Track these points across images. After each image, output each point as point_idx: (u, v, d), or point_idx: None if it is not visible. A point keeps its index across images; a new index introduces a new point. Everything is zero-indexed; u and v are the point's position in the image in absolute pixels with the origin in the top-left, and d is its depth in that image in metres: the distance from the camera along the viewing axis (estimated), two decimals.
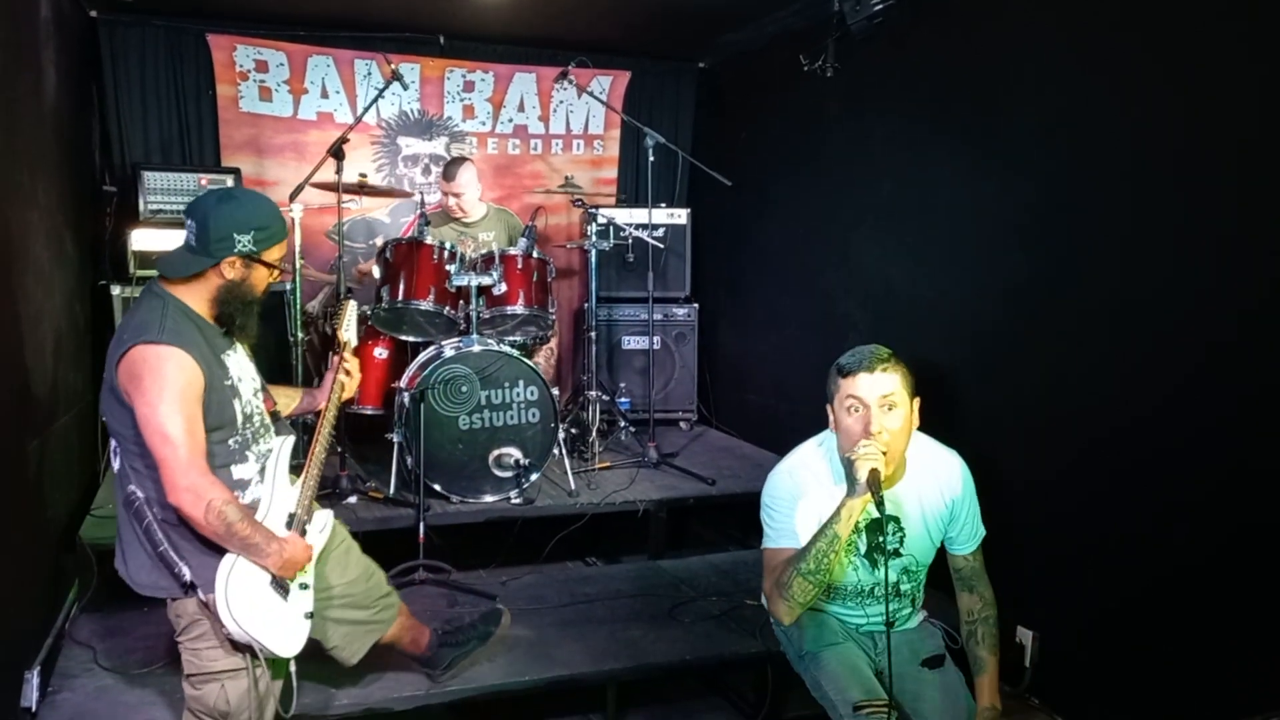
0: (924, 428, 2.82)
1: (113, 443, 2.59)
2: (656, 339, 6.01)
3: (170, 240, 4.76)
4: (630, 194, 6.61)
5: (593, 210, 5.21)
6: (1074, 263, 3.49)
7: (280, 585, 2.58)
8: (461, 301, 4.68)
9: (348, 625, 2.94)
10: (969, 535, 2.86)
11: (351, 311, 3.14)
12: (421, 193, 5.65)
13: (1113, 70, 3.34)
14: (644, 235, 5.43)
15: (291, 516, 2.66)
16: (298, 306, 4.64)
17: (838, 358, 2.75)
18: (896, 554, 2.82)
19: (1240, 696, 2.81)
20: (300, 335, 4.71)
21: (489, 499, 4.46)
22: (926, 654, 2.85)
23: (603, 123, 6.65)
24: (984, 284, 3.96)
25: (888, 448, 2.56)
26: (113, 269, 4.97)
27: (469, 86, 6.30)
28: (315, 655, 2.88)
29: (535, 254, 4.81)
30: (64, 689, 3.16)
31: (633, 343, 6.20)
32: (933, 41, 4.28)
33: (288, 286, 4.71)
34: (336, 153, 4.51)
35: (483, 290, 4.63)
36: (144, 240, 4.86)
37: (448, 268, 4.60)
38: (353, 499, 4.40)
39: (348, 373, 3.03)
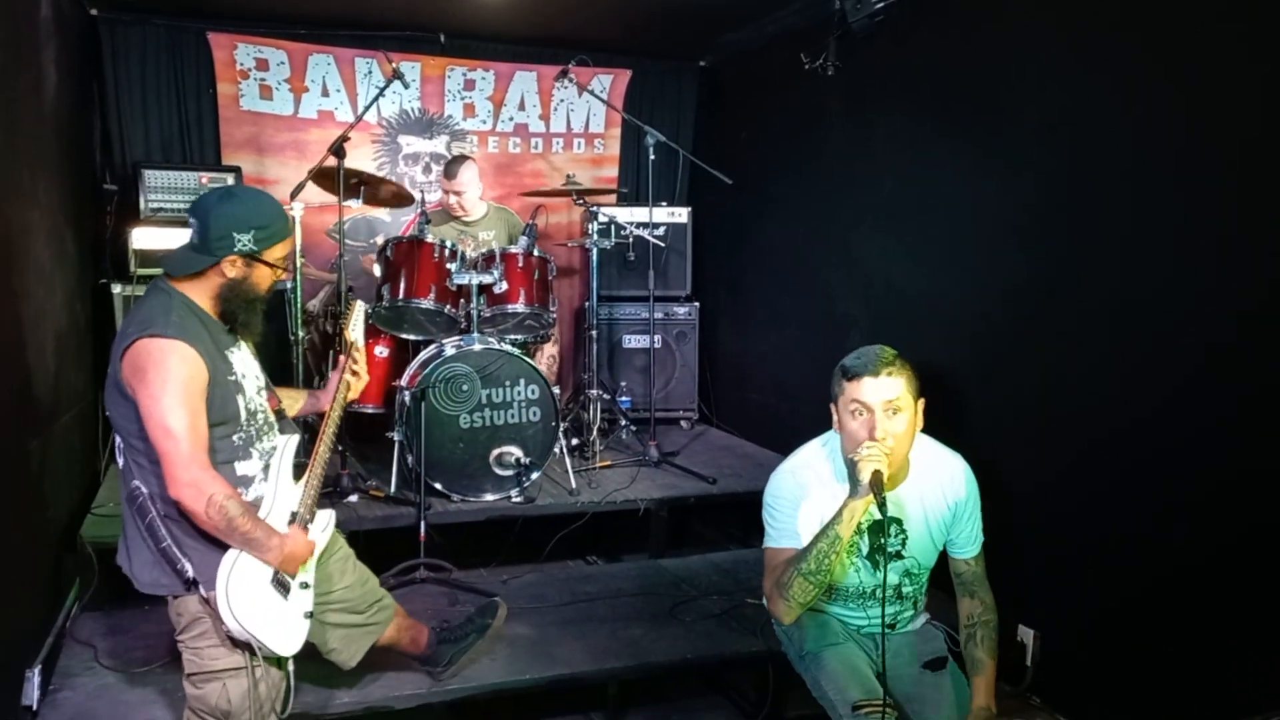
0: (925, 427, 2.82)
1: (116, 439, 2.59)
2: (657, 338, 6.01)
3: (171, 239, 4.78)
4: (631, 193, 6.60)
5: (594, 209, 5.20)
6: (1074, 262, 3.48)
7: (281, 584, 2.58)
8: (462, 300, 4.68)
9: (345, 628, 2.94)
10: (971, 539, 2.86)
11: (359, 312, 3.14)
12: (422, 191, 5.65)
13: (1113, 70, 3.34)
14: (645, 234, 5.43)
15: (294, 514, 2.66)
16: (298, 305, 4.64)
17: (841, 358, 2.75)
18: (898, 556, 2.82)
19: (1240, 697, 2.81)
20: (301, 334, 4.71)
21: (490, 498, 4.47)
22: (928, 656, 2.86)
23: (603, 121, 6.65)
24: (984, 284, 3.96)
25: (891, 450, 2.56)
26: (114, 268, 4.97)
27: (470, 85, 6.30)
28: (315, 654, 2.88)
29: (536, 252, 4.81)
30: (65, 688, 3.16)
31: (633, 341, 6.20)
32: (934, 40, 4.28)
33: (288, 285, 4.71)
34: (337, 151, 4.51)
35: (483, 289, 4.63)
36: (145, 239, 4.86)
37: (448, 266, 4.60)
38: (354, 497, 4.40)
39: (355, 373, 3.01)
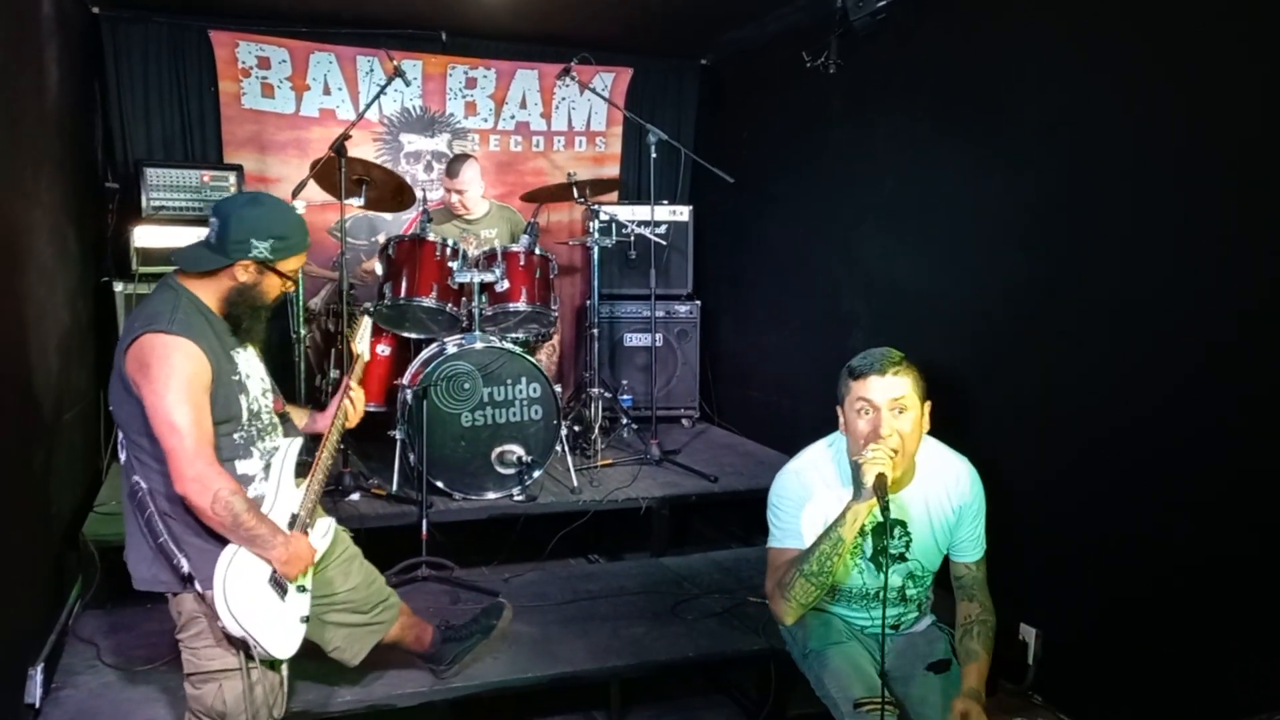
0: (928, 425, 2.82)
1: (119, 434, 2.60)
2: (659, 336, 6.01)
3: (173, 237, 4.79)
4: (632, 191, 6.60)
5: (595, 207, 5.20)
6: (1074, 262, 3.49)
7: (279, 584, 2.58)
8: (464, 298, 4.68)
9: (347, 628, 2.94)
10: (973, 544, 2.85)
11: (366, 326, 3.14)
12: (423, 189, 5.65)
13: (1114, 69, 3.34)
14: (646, 232, 5.43)
15: (294, 517, 2.66)
16: (300, 304, 4.64)
17: (843, 356, 2.75)
18: (902, 558, 2.82)
19: (1240, 697, 2.81)
20: (303, 332, 4.71)
21: (491, 496, 4.47)
22: (932, 658, 2.85)
23: (605, 120, 6.65)
24: (985, 283, 3.96)
25: (897, 451, 2.56)
26: (115, 266, 4.98)
27: (471, 83, 6.30)
28: (317, 652, 2.88)
29: (537, 251, 4.81)
30: (67, 686, 3.16)
31: (635, 340, 6.20)
32: (935, 39, 4.28)
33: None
34: (339, 149, 4.51)
35: (485, 287, 4.63)
36: (146, 237, 4.87)
37: (450, 265, 4.60)
38: (355, 496, 4.40)
39: (352, 401, 2.98)
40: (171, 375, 2.42)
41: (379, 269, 4.78)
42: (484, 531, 4.45)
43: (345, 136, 4.52)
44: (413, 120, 6.23)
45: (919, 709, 2.70)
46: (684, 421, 6.34)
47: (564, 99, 6.52)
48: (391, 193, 4.89)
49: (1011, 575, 3.09)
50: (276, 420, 2.81)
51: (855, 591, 2.86)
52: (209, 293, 2.63)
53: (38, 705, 3.01)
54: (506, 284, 4.66)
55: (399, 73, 4.93)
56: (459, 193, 5.41)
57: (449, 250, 4.64)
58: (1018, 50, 3.81)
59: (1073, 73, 3.51)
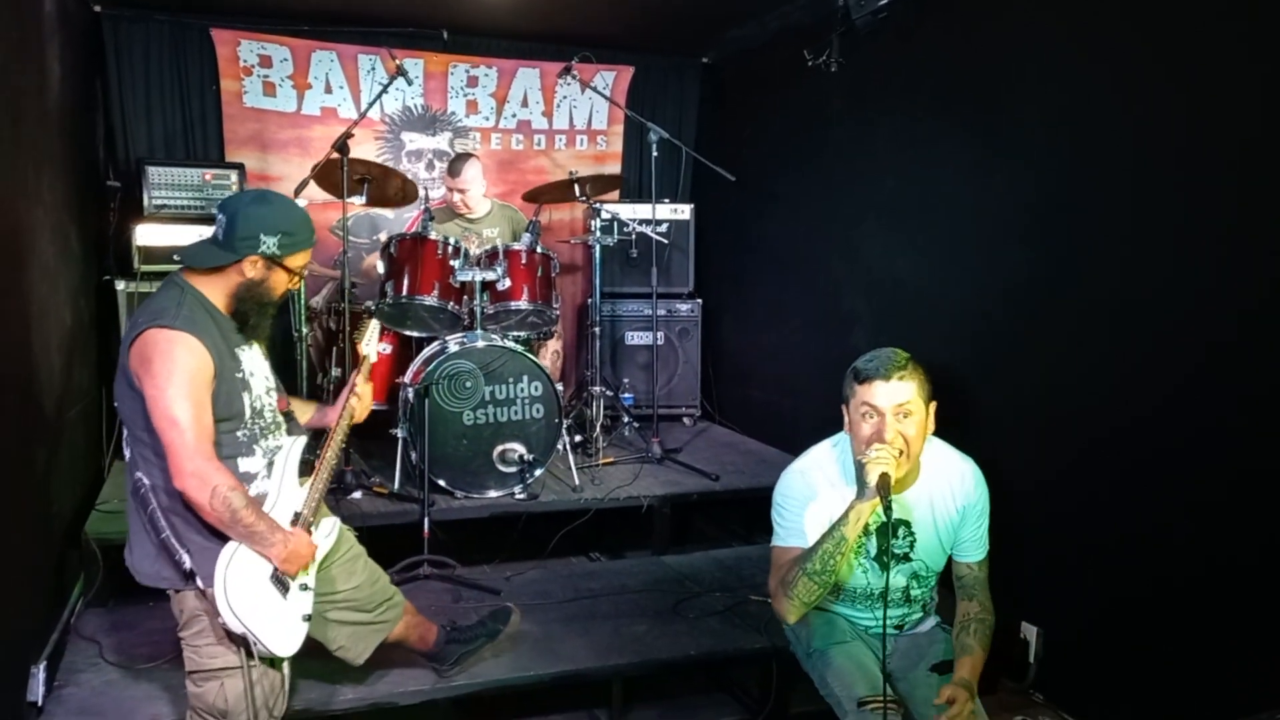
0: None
1: (124, 431, 2.60)
2: (660, 334, 6.01)
3: (175, 235, 4.79)
4: (634, 189, 6.60)
5: (596, 205, 5.20)
6: (1075, 261, 3.50)
7: (280, 582, 2.58)
8: (465, 297, 4.69)
9: (351, 626, 2.94)
10: (976, 544, 2.85)
11: (373, 329, 3.15)
12: (425, 188, 5.65)
13: (1114, 69, 3.35)
14: (648, 230, 5.43)
15: (297, 515, 2.66)
16: (302, 302, 4.65)
17: (844, 354, 2.75)
18: (906, 559, 2.82)
19: (1240, 695, 2.82)
20: (305, 330, 4.71)
21: (493, 494, 4.47)
22: (936, 659, 2.85)
23: (606, 118, 6.65)
24: (985, 282, 3.97)
25: (901, 453, 2.56)
26: (117, 264, 4.98)
27: (472, 82, 6.30)
28: (320, 650, 2.89)
29: (539, 249, 4.81)
30: (70, 684, 3.16)
31: (636, 338, 6.20)
32: (936, 38, 4.28)
33: None
34: (341, 148, 4.52)
35: (487, 286, 4.63)
36: (148, 235, 4.87)
37: (452, 263, 4.61)
38: (357, 494, 4.41)
39: (359, 396, 3.00)
40: (174, 370, 2.42)
41: (381, 267, 4.78)
42: (486, 530, 4.46)
43: (347, 135, 4.52)
44: (414, 119, 6.23)
45: (921, 709, 2.70)
46: (685, 420, 6.34)
47: (565, 97, 6.52)
48: (394, 189, 4.90)
49: (1012, 574, 3.09)
50: (280, 419, 2.81)
51: (859, 591, 2.87)
52: (215, 290, 2.64)
53: (40, 703, 3.01)
54: (508, 282, 4.66)
55: (400, 71, 4.94)
56: (461, 191, 5.41)
57: (451, 249, 4.64)
58: (1018, 50, 3.81)
59: (1073, 73, 3.52)
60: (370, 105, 5.35)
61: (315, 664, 2.99)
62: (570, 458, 4.71)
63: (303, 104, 5.92)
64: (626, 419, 5.67)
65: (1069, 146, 3.53)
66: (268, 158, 5.83)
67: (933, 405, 2.69)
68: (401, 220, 6.12)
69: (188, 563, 2.51)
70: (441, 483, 4.37)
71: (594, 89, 6.05)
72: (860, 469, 2.55)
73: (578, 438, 5.22)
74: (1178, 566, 3.08)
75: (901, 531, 2.78)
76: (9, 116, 3.18)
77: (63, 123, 4.26)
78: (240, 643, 2.54)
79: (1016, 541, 3.09)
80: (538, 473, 4.50)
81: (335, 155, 4.50)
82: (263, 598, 2.53)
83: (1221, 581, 2.94)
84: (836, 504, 2.69)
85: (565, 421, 4.65)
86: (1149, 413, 3.19)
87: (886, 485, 2.47)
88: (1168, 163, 3.13)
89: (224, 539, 2.51)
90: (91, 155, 5.25)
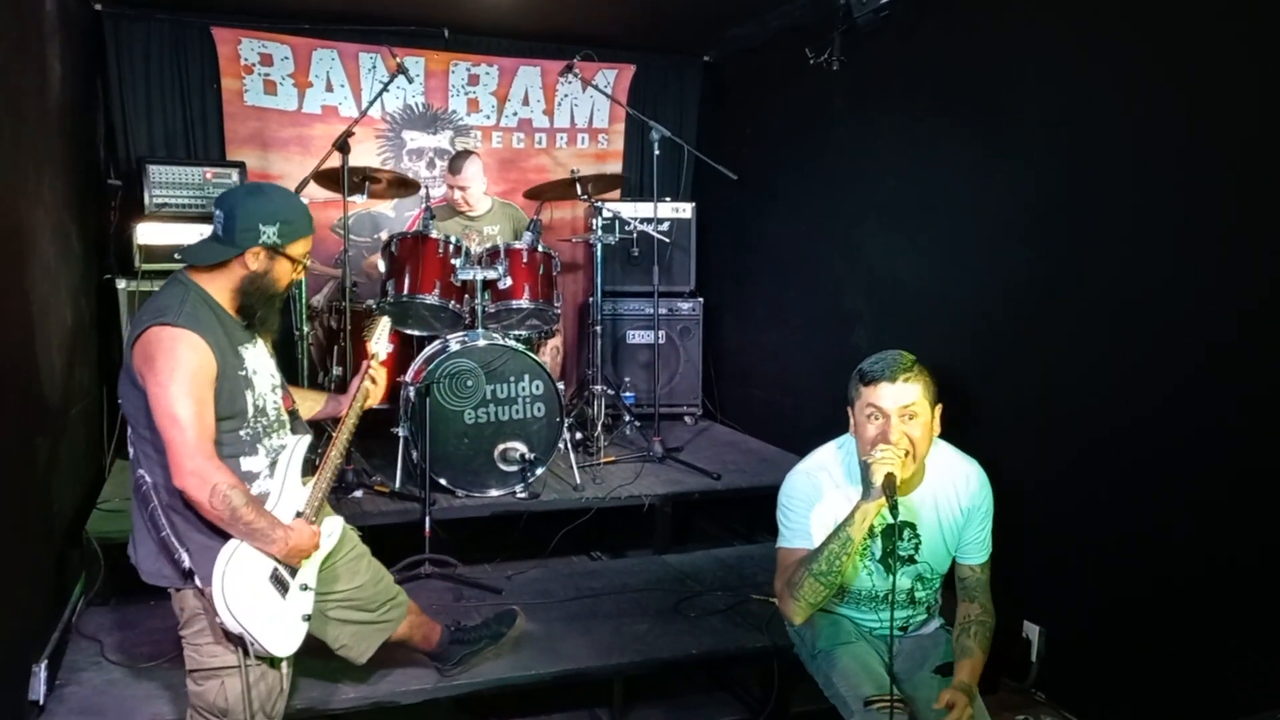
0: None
1: (129, 429, 2.60)
2: (661, 333, 6.01)
3: (176, 234, 4.78)
4: (635, 188, 6.59)
5: (598, 204, 5.20)
6: (1075, 261, 3.50)
7: (280, 582, 2.58)
8: (466, 295, 4.69)
9: (354, 625, 2.94)
10: (979, 546, 2.85)
11: (383, 326, 3.15)
12: (426, 186, 5.65)
13: (1114, 69, 3.35)
14: (649, 229, 5.43)
15: (299, 514, 2.66)
16: (303, 301, 4.65)
17: (845, 353, 2.76)
18: (911, 560, 2.82)
19: (1240, 695, 2.83)
20: (305, 329, 4.71)
21: (494, 493, 4.47)
22: (940, 661, 2.85)
23: (607, 117, 6.64)
24: (985, 282, 3.98)
25: (907, 454, 2.56)
26: (118, 263, 4.97)
27: (473, 80, 6.30)
28: (321, 649, 2.89)
29: (540, 248, 4.81)
30: (71, 682, 3.17)
31: (637, 337, 6.20)
32: (937, 37, 4.28)
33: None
34: (342, 146, 4.51)
35: (488, 284, 4.63)
36: (149, 234, 4.86)
37: (453, 262, 4.61)
38: (358, 493, 4.41)
39: (374, 380, 3.01)
40: (176, 368, 2.42)
41: (382, 266, 4.78)
42: (487, 529, 4.46)
43: (348, 133, 4.52)
44: (415, 117, 6.23)
45: (925, 711, 2.70)
46: (687, 419, 6.34)
47: (566, 96, 6.52)
48: (396, 186, 4.90)
49: (1013, 573, 3.09)
50: (285, 418, 2.81)
51: (864, 593, 2.86)
52: (220, 286, 2.64)
53: (42, 702, 3.01)
54: (509, 281, 4.66)
55: (401, 69, 4.93)
56: (462, 189, 5.41)
57: (452, 247, 4.64)
58: (1018, 50, 3.81)
59: (1073, 72, 3.52)
60: (371, 103, 5.35)
61: (316, 662, 3.00)
62: (571, 456, 4.72)
63: (304, 102, 5.91)
64: (628, 418, 5.67)
65: (1069, 146, 3.53)
66: (269, 156, 5.83)
67: (938, 408, 2.69)
68: (403, 219, 6.12)
69: (187, 561, 2.51)
70: (443, 481, 4.37)
71: (595, 87, 6.04)
72: (866, 470, 2.55)
73: (579, 436, 5.22)
74: (1178, 566, 3.08)
75: (906, 534, 2.78)
76: (10, 115, 3.18)
77: (63, 121, 4.26)
78: (238, 642, 2.54)
79: (1017, 541, 3.09)
80: (539, 472, 4.50)
81: (336, 154, 4.50)
82: (261, 597, 2.52)
83: (1222, 581, 2.94)
84: (842, 505, 2.69)
85: (566, 420, 4.65)
86: (1149, 413, 3.20)
87: (892, 486, 2.47)
88: (1168, 163, 3.13)
89: (224, 538, 2.50)
90: (92, 154, 5.25)
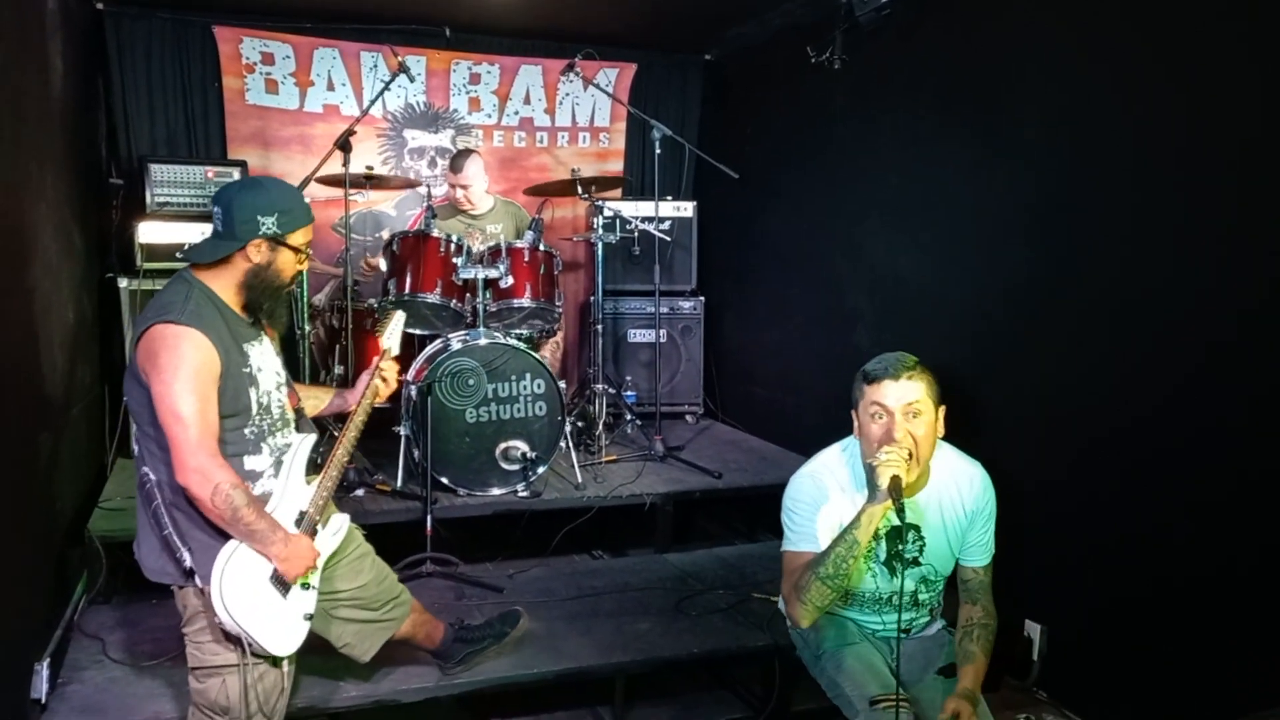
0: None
1: (134, 427, 2.61)
2: (663, 332, 6.00)
3: (177, 233, 4.79)
4: (636, 187, 6.59)
5: (599, 203, 5.20)
6: (1075, 261, 3.50)
7: (280, 581, 2.58)
8: (468, 294, 4.69)
9: (358, 624, 2.95)
10: (982, 548, 2.85)
11: (396, 322, 3.14)
12: (428, 185, 5.65)
13: (1114, 69, 3.35)
14: (650, 228, 5.43)
15: (302, 514, 2.66)
16: (304, 299, 4.65)
17: (847, 352, 2.76)
18: (915, 563, 2.81)
19: (1240, 694, 2.83)
20: (307, 328, 4.71)
21: (496, 492, 4.47)
22: (942, 662, 2.85)
23: (609, 115, 6.64)
24: (985, 282, 3.98)
25: (911, 454, 2.56)
26: (120, 262, 4.98)
27: (475, 79, 6.30)
28: (324, 647, 2.89)
29: (542, 247, 4.81)
30: (73, 680, 3.17)
31: (639, 336, 6.20)
32: (938, 37, 4.28)
33: None
34: (343, 145, 4.52)
35: (489, 283, 4.63)
36: (151, 233, 4.86)
37: (454, 260, 4.61)
38: (360, 492, 4.42)
39: (384, 378, 3.01)
40: (180, 365, 2.43)
41: (383, 265, 4.78)
42: (488, 527, 4.47)
43: (350, 132, 4.52)
44: (416, 116, 6.23)
45: (928, 713, 2.70)
46: (688, 418, 6.34)
47: (568, 94, 6.51)
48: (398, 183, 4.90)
49: (1014, 572, 3.09)
50: (290, 416, 2.81)
51: (868, 596, 2.86)
52: (224, 283, 2.64)
53: (44, 700, 3.02)
54: (511, 280, 4.66)
55: (403, 68, 4.93)
56: (463, 188, 5.41)
57: (453, 246, 4.65)
58: (1018, 50, 3.81)
59: (1073, 73, 3.52)
60: (372, 103, 5.34)
61: (317, 660, 3.00)
62: (573, 455, 4.71)
63: (305, 101, 5.91)
64: (629, 417, 5.67)
65: (1069, 146, 3.53)
66: (270, 155, 5.83)
67: (942, 409, 2.69)
68: (404, 217, 6.13)
69: (188, 560, 2.52)
70: (444, 480, 4.37)
71: (597, 86, 6.03)
72: (871, 472, 2.55)
73: (580, 435, 5.22)
74: (1178, 565, 3.08)
75: (911, 536, 2.78)
76: (12, 114, 3.19)
77: (65, 120, 4.27)
78: (237, 641, 2.54)
79: (1018, 540, 3.09)
80: (540, 470, 4.51)
81: (338, 153, 4.50)
82: (261, 597, 2.53)
83: (1222, 580, 2.94)
84: (847, 508, 2.69)
85: (568, 419, 4.65)
86: (1149, 412, 3.20)
87: (898, 488, 2.47)
88: (1168, 163, 3.13)
89: (225, 538, 2.51)
90: (94, 153, 5.26)
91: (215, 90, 5.70)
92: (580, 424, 5.34)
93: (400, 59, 4.95)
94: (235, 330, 2.62)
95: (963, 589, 2.90)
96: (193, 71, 5.66)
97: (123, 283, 4.78)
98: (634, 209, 5.88)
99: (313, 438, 2.82)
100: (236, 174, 5.22)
